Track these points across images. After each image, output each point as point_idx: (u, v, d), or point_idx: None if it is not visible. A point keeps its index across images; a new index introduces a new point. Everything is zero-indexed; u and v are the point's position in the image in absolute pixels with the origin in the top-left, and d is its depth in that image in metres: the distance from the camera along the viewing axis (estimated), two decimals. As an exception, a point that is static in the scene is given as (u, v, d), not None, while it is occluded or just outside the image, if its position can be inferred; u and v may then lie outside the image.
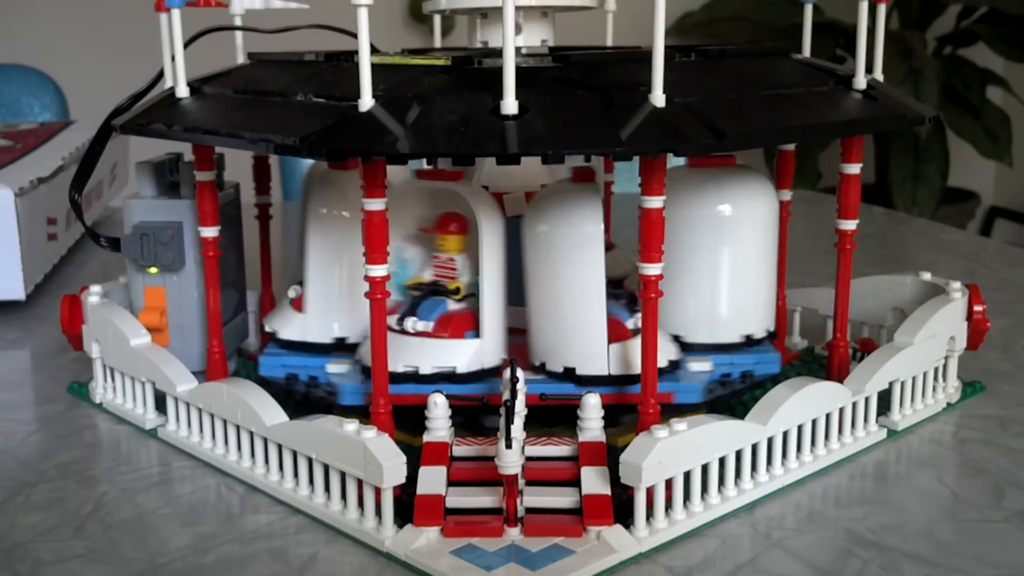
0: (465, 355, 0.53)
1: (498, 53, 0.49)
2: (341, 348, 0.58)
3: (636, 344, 0.51)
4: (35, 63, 1.74)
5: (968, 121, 2.25)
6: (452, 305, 0.55)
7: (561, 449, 0.49)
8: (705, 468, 0.47)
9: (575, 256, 0.52)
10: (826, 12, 2.18)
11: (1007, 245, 1.05)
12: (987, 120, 2.25)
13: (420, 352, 0.53)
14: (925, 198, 2.21)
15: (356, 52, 0.45)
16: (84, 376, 0.67)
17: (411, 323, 0.54)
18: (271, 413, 0.50)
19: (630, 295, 0.56)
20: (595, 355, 0.52)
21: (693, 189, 0.56)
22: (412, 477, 0.46)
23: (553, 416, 0.52)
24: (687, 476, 0.46)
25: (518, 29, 0.57)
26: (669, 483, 0.45)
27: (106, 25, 2.29)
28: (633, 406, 0.49)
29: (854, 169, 0.56)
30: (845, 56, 2.33)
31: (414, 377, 0.53)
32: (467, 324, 0.54)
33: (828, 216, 0.59)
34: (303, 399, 0.56)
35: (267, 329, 0.60)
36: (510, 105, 0.43)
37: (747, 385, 0.56)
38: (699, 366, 0.56)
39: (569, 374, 0.53)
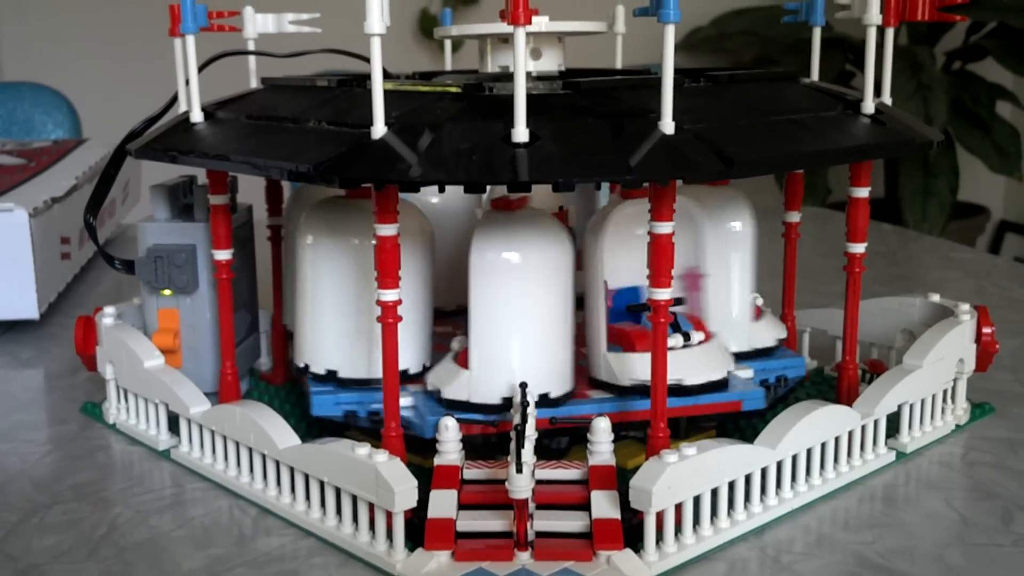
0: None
1: (509, 78, 0.49)
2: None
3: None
4: (48, 81, 1.75)
5: (977, 136, 2.25)
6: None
7: (571, 473, 0.49)
8: (715, 492, 0.47)
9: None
10: (835, 27, 2.18)
11: (1016, 264, 1.05)
12: (996, 135, 2.26)
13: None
14: (935, 213, 2.21)
15: (368, 77, 0.45)
16: (97, 396, 0.67)
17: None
18: (283, 436, 0.50)
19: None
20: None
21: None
22: (423, 500, 0.46)
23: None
24: (697, 500, 0.46)
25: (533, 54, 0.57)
26: (679, 507, 0.46)
27: (117, 42, 2.31)
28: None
29: (863, 192, 0.57)
30: (854, 71, 2.34)
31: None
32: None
33: (837, 233, 0.59)
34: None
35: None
36: (521, 133, 0.43)
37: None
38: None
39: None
